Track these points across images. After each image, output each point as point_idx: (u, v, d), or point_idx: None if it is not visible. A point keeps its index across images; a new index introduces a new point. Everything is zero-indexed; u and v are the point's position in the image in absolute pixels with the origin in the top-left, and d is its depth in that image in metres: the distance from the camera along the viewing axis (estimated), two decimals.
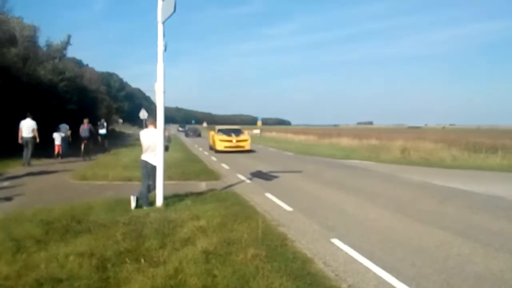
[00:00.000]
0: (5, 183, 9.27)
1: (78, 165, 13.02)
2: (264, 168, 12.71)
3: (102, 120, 22.16)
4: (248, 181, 10.29)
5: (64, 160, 14.89)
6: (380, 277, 3.89)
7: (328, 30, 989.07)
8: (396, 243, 5.05)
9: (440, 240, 5.18)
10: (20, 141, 12.42)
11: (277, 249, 4.42)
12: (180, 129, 65.16)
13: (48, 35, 25.88)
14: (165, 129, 6.46)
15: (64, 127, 16.51)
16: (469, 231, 5.63)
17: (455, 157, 17.10)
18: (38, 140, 12.65)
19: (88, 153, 15.62)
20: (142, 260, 3.90)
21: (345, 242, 4.96)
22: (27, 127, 12.51)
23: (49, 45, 22.55)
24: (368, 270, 4.09)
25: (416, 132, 56.74)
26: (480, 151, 17.67)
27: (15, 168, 12.03)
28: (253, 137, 42.75)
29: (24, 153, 12.53)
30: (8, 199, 7.38)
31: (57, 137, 15.77)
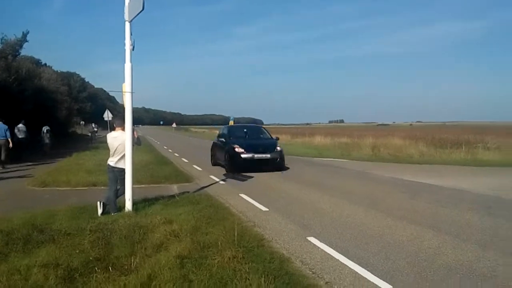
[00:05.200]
0: None
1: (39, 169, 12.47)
2: None
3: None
4: (222, 182, 10.19)
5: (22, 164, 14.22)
6: (356, 272, 3.94)
7: (299, 30, 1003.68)
8: (370, 238, 5.14)
9: (412, 234, 5.31)
10: None
11: (254, 250, 4.38)
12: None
13: (3, 32, 24.09)
14: (134, 131, 6.25)
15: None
16: (439, 224, 5.81)
17: (422, 153, 17.74)
18: (11, 144, 13.05)
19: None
20: (112, 269, 3.75)
21: (321, 240, 4.99)
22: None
23: (3, 42, 21.28)
24: (344, 266, 4.13)
25: (385, 129, 58.57)
26: (445, 147, 18.42)
27: None
28: None
29: None
30: None
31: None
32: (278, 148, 12.30)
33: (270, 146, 12.34)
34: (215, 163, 13.58)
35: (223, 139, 13.19)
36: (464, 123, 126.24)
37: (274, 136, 13.63)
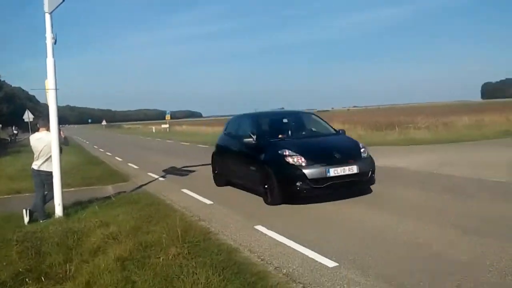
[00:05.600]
0: None
1: None
2: (178, 164, 12.13)
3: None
4: (162, 179, 9.82)
5: None
6: (304, 255, 3.97)
7: (235, 19, 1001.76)
8: (316, 221, 5.24)
9: (355, 214, 5.51)
10: None
11: (200, 244, 4.25)
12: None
13: None
14: (60, 130, 5.86)
15: None
16: (379, 202, 6.08)
17: (360, 136, 18.61)
18: None
19: None
20: (45, 279, 3.49)
21: (268, 227, 4.96)
22: None
23: None
24: (292, 250, 4.14)
25: (325, 115, 60.83)
26: (381, 129, 19.58)
27: None
28: (162, 133, 41.48)
29: None
30: None
31: None
32: (364, 152, 6.44)
33: (349, 149, 6.48)
34: (226, 181, 7.88)
35: (249, 140, 6.74)
36: (396, 106, 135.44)
37: (338, 129, 7.64)
